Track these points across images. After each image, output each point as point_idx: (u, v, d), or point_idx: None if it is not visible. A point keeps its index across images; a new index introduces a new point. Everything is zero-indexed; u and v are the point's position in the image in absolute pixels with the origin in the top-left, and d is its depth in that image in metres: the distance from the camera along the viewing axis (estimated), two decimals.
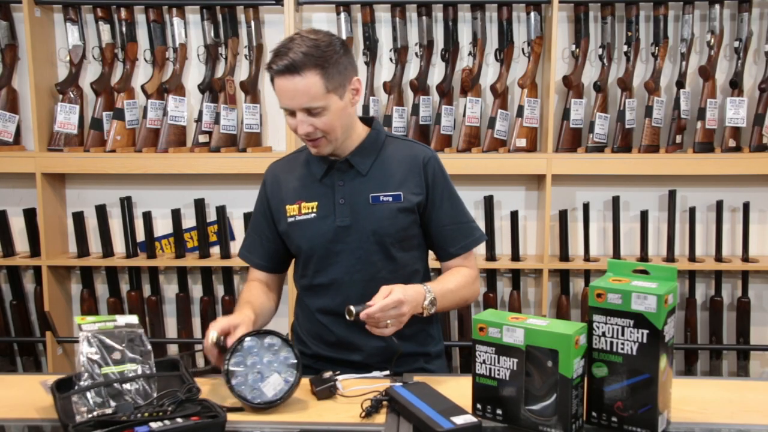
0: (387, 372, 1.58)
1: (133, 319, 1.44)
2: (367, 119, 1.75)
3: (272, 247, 1.78)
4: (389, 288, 1.52)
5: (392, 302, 1.49)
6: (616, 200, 2.76)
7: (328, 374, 1.48)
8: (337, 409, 1.40)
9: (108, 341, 1.36)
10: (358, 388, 1.47)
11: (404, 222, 1.68)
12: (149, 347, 1.40)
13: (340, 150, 1.67)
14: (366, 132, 1.72)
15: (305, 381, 1.47)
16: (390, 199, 1.67)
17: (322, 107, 1.56)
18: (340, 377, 1.51)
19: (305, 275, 1.73)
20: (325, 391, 1.45)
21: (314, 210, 1.68)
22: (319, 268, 1.70)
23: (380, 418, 1.36)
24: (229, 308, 2.85)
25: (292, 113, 1.59)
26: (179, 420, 1.25)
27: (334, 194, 1.68)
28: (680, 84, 2.70)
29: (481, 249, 2.73)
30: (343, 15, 2.71)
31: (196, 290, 2.92)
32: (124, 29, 2.74)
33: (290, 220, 1.71)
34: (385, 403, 1.39)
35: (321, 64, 1.54)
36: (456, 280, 1.70)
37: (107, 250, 2.82)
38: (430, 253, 1.79)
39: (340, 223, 1.66)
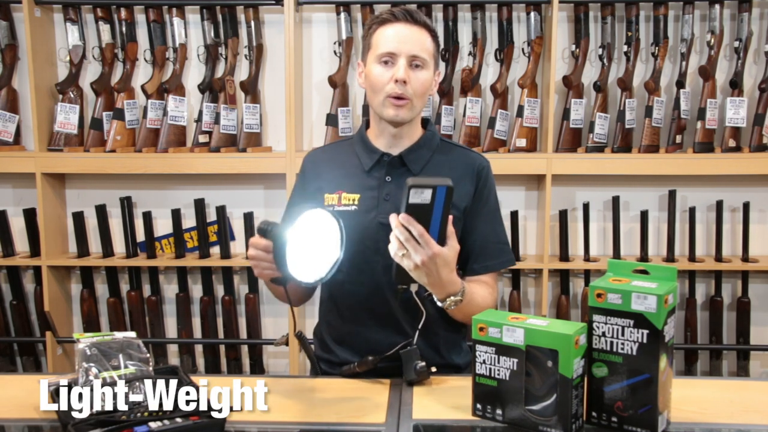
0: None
1: (131, 333, 1.43)
2: (422, 120, 1.70)
3: None
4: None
5: (420, 231, 1.33)
6: (616, 200, 2.76)
7: (371, 358, 1.50)
8: (337, 409, 1.40)
9: (106, 349, 1.37)
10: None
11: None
12: (147, 354, 1.40)
13: (395, 146, 1.63)
14: (422, 131, 1.67)
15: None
16: None
17: (425, 61, 1.57)
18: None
19: (340, 269, 1.65)
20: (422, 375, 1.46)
21: (355, 202, 1.61)
22: (355, 264, 1.58)
23: (380, 417, 1.36)
24: (228, 308, 2.86)
25: (390, 61, 1.56)
26: (178, 420, 1.25)
27: (380, 189, 1.61)
28: (680, 84, 2.70)
29: None
30: (343, 15, 2.71)
31: (196, 290, 2.92)
32: (124, 29, 2.74)
33: (328, 209, 1.63)
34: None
35: (433, 31, 1.61)
36: (483, 297, 1.58)
37: (107, 250, 2.82)
38: None
39: (383, 220, 1.54)
